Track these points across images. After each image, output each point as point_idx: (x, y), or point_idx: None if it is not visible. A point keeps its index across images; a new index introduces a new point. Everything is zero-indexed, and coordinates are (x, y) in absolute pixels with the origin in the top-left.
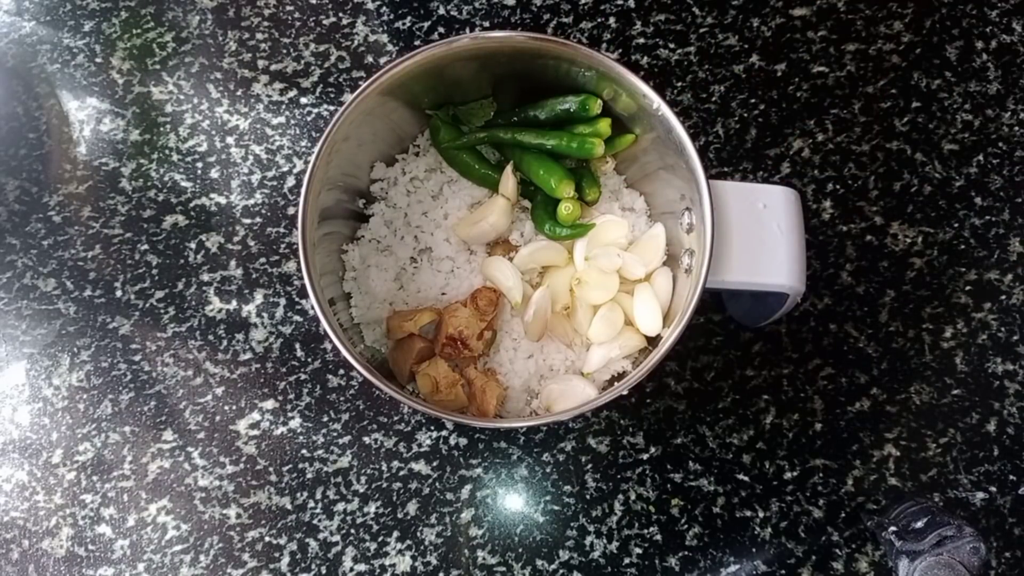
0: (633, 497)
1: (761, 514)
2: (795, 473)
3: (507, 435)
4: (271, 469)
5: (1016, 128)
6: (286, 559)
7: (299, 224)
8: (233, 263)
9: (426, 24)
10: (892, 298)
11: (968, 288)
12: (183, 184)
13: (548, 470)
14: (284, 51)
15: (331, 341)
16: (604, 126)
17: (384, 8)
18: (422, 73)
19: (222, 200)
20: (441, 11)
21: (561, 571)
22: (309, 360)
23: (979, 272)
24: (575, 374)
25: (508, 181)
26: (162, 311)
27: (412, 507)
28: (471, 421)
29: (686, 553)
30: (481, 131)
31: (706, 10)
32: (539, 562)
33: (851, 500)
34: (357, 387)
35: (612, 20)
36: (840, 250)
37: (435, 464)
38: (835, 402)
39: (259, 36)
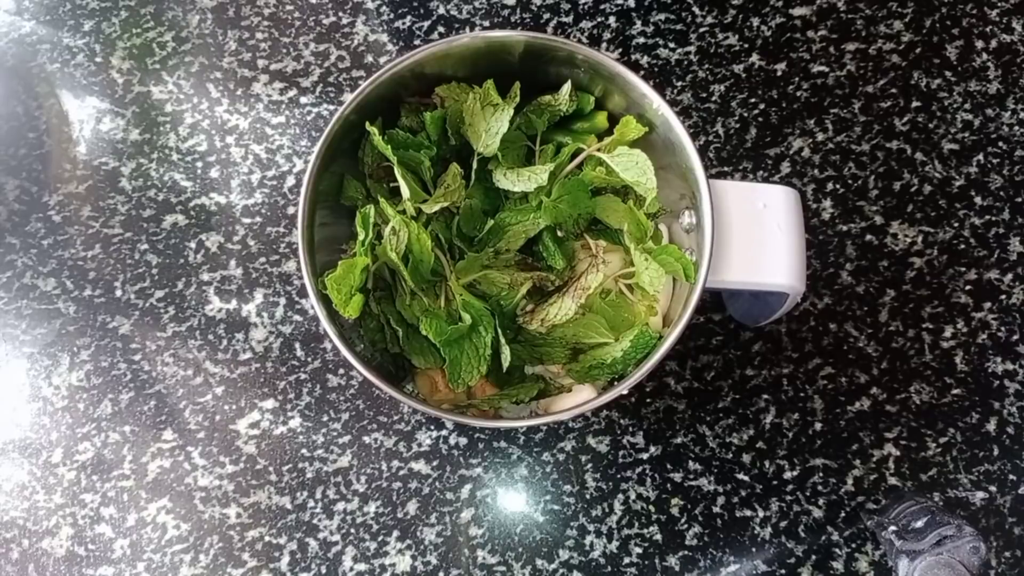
0: (633, 497)
1: (761, 514)
2: (795, 473)
3: (507, 435)
4: (271, 469)
5: (1016, 128)
6: (286, 559)
7: (299, 224)
8: (233, 263)
9: (426, 24)
10: (892, 298)
11: (968, 288)
12: (183, 184)
13: (548, 470)
14: (284, 51)
15: (331, 341)
16: (601, 119)
17: (384, 8)
18: (421, 72)
19: (222, 200)
20: (441, 11)
21: (561, 571)
22: (309, 360)
23: (979, 272)
24: None
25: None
26: (162, 311)
27: (412, 507)
28: (471, 421)
29: (686, 553)
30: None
31: (706, 10)
32: (539, 561)
33: (851, 500)
34: (357, 387)
35: (612, 20)
36: (840, 250)
37: (435, 464)
38: (835, 402)
39: (259, 36)
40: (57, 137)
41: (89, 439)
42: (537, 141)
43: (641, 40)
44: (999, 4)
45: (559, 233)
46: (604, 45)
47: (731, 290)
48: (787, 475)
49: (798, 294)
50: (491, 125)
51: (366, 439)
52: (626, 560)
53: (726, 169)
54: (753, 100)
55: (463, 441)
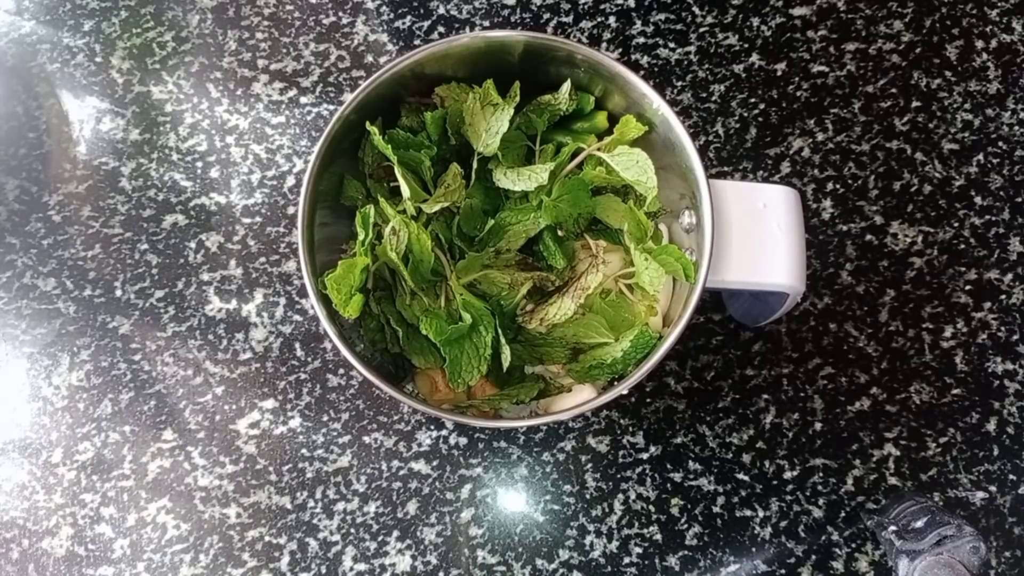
0: (633, 496)
1: (761, 514)
2: (795, 473)
3: (507, 435)
4: (271, 468)
5: (1016, 128)
6: (286, 559)
7: (299, 224)
8: (233, 263)
9: (426, 24)
10: (892, 298)
11: (968, 288)
12: (183, 184)
13: (548, 470)
14: (284, 50)
15: (331, 341)
16: (601, 119)
17: (384, 8)
18: (421, 72)
19: (222, 200)
20: (441, 11)
21: (561, 571)
22: (309, 360)
23: (979, 272)
24: None
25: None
26: (162, 311)
27: (412, 507)
28: (471, 421)
29: (686, 553)
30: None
31: (706, 9)
32: (539, 561)
33: (851, 500)
34: (357, 387)
35: (612, 19)
36: (840, 250)
37: (435, 464)
38: (835, 402)
39: (259, 35)
40: (57, 137)
41: (89, 439)
42: (537, 141)
43: (641, 40)
44: (999, 4)
45: (559, 233)
46: (604, 45)
47: (731, 290)
48: (787, 475)
49: (798, 294)
50: (491, 125)
51: (366, 439)
52: (626, 560)
53: (726, 169)
54: (753, 100)
55: (463, 441)
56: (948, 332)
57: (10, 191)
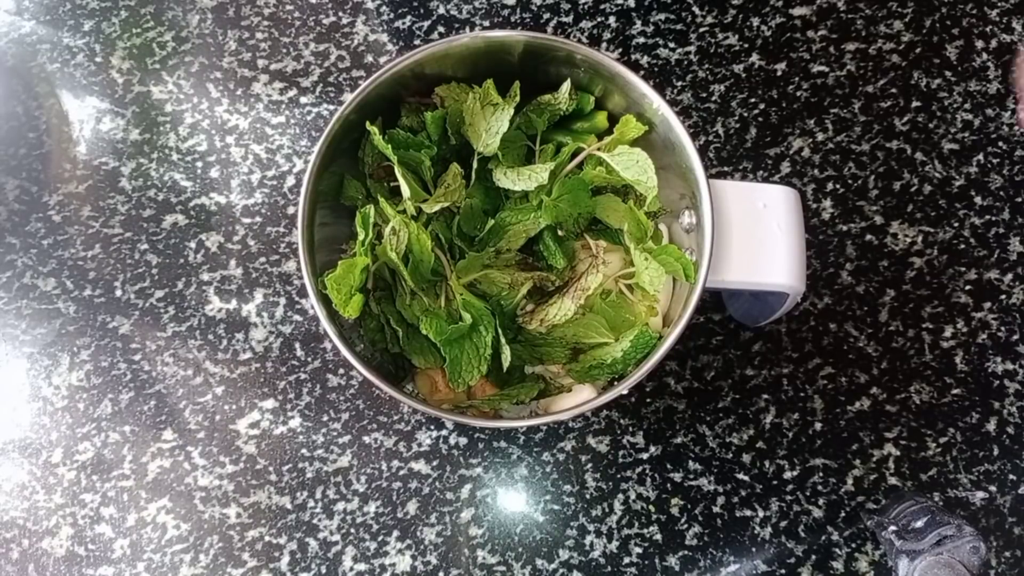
0: (633, 496)
1: (761, 514)
2: (795, 473)
3: (507, 435)
4: (271, 468)
5: (1016, 128)
6: (286, 559)
7: (299, 224)
8: (233, 263)
9: (426, 24)
10: (892, 298)
11: (968, 288)
12: (183, 183)
13: (548, 469)
14: (284, 50)
15: (331, 341)
16: (601, 119)
17: (384, 8)
18: (421, 72)
19: (222, 199)
20: (441, 10)
21: (561, 571)
22: (309, 360)
23: (979, 272)
24: None
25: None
26: (162, 311)
27: (412, 506)
28: (471, 421)
29: (686, 552)
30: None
31: (706, 9)
32: (539, 561)
33: (851, 500)
34: (357, 387)
35: (612, 19)
36: (840, 250)
37: (435, 464)
38: (835, 402)
39: (259, 35)
40: (57, 137)
41: (89, 439)
42: (537, 141)
43: (641, 40)
44: (999, 4)
45: (559, 233)
46: (604, 45)
47: (731, 290)
48: (787, 475)
49: (798, 294)
50: (491, 125)
51: (366, 439)
52: (626, 560)
53: (726, 169)
54: (753, 100)
55: (463, 441)
56: (948, 332)
57: (10, 191)
